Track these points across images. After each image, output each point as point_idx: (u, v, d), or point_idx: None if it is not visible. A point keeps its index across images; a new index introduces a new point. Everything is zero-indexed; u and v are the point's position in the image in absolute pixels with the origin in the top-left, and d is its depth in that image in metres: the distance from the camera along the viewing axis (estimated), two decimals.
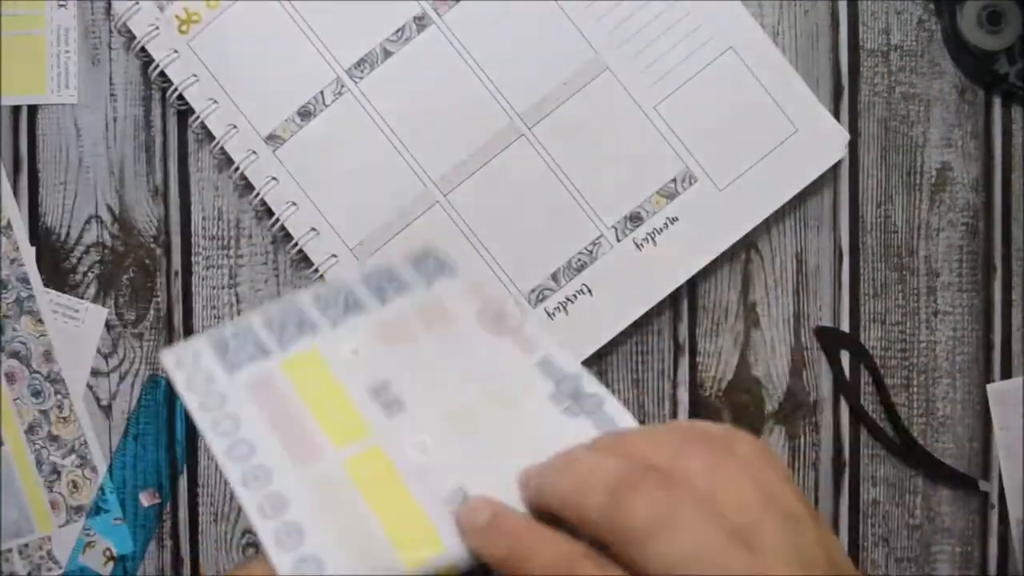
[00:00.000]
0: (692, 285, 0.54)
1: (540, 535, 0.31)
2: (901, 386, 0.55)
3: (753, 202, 0.53)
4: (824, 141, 0.53)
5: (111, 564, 0.54)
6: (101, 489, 0.54)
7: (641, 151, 0.53)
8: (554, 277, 0.53)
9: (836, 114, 0.54)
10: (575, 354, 0.41)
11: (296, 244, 0.53)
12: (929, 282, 0.55)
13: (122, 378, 0.54)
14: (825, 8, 0.54)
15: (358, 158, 0.52)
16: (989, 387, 0.55)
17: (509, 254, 0.53)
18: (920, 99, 0.55)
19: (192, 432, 0.54)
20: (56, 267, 0.54)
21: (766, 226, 0.54)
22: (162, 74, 0.52)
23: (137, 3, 0.52)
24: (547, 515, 0.32)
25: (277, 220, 0.53)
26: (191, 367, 0.38)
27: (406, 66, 0.52)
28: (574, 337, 0.52)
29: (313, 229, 0.52)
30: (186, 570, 0.55)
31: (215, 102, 0.52)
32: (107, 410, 0.54)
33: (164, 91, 0.53)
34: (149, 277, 0.54)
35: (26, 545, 0.54)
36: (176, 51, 0.52)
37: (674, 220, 0.53)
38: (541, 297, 0.53)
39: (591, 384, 0.37)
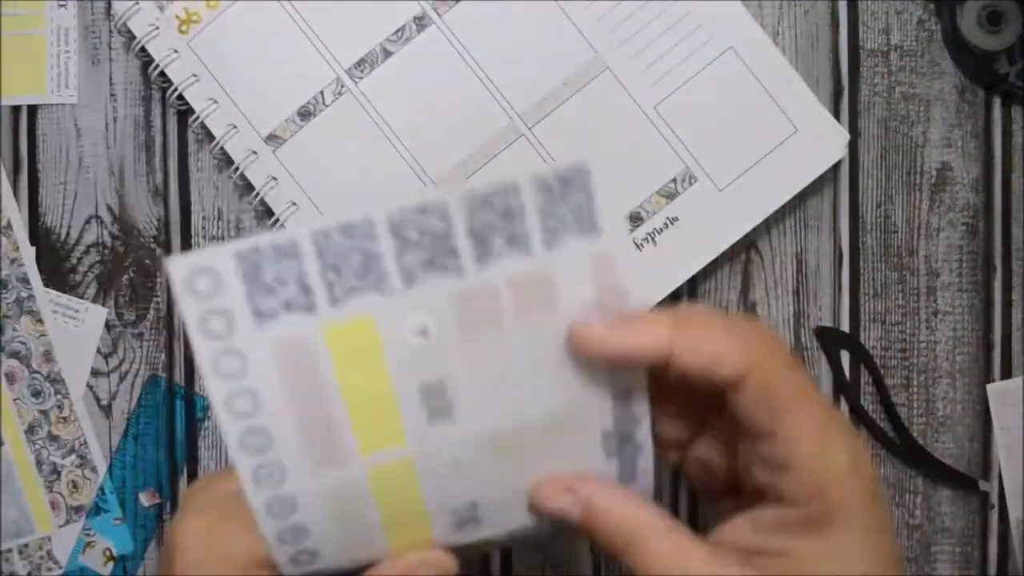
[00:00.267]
0: (692, 285, 0.54)
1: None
2: (901, 386, 0.55)
3: (753, 202, 0.53)
4: (824, 141, 0.53)
5: (111, 564, 0.54)
6: (101, 489, 0.54)
7: (641, 151, 0.53)
8: None
9: (836, 114, 0.54)
10: None
11: None
12: (929, 282, 0.55)
13: (122, 378, 0.54)
14: (825, 8, 0.54)
15: (358, 158, 0.52)
16: (989, 387, 0.55)
17: None
18: (920, 99, 0.55)
19: (192, 432, 0.54)
20: (56, 267, 0.54)
21: (766, 226, 0.54)
22: (162, 74, 0.52)
23: (137, 3, 0.52)
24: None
25: (277, 220, 0.53)
26: (207, 298, 0.29)
27: (406, 66, 0.52)
28: None
29: None
30: None
31: (215, 102, 0.52)
32: (107, 410, 0.54)
33: (164, 91, 0.53)
34: (149, 277, 0.54)
35: (26, 545, 0.54)
36: (176, 51, 0.52)
37: (674, 220, 0.53)
38: None
39: (642, 432, 0.33)
